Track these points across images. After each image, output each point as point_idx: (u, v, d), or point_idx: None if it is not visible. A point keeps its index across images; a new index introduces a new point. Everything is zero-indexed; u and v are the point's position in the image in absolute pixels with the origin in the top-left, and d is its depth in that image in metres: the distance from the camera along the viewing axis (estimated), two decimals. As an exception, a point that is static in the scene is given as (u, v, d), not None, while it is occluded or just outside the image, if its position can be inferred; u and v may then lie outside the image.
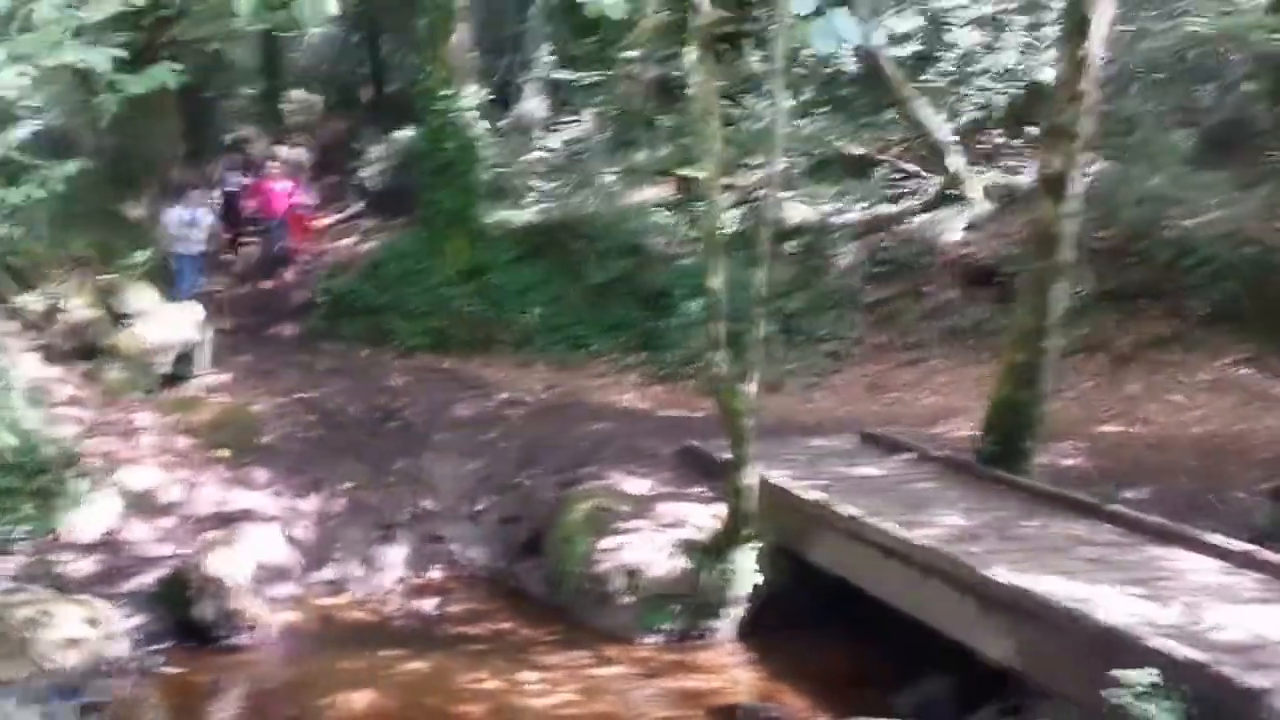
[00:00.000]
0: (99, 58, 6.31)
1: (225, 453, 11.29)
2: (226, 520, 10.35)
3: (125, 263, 12.50)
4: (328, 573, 10.44)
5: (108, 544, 9.85)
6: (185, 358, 12.34)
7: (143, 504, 10.32)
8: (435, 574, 10.72)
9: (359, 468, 11.53)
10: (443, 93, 15.79)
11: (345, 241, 19.45)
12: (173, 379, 12.24)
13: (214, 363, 12.93)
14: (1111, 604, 6.77)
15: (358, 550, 10.65)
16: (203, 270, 15.17)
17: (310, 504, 10.98)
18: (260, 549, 10.10)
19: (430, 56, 16.11)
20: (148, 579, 9.46)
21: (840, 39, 4.63)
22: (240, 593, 9.29)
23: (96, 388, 11.51)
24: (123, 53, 6.56)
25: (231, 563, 9.50)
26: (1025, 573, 7.26)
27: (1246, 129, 15.28)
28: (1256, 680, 5.53)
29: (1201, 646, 6.03)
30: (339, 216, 20.44)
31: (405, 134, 19.80)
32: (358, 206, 20.40)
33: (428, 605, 10.16)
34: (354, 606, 10.14)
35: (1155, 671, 5.73)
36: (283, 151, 19.58)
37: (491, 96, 18.01)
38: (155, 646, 8.87)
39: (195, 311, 12.66)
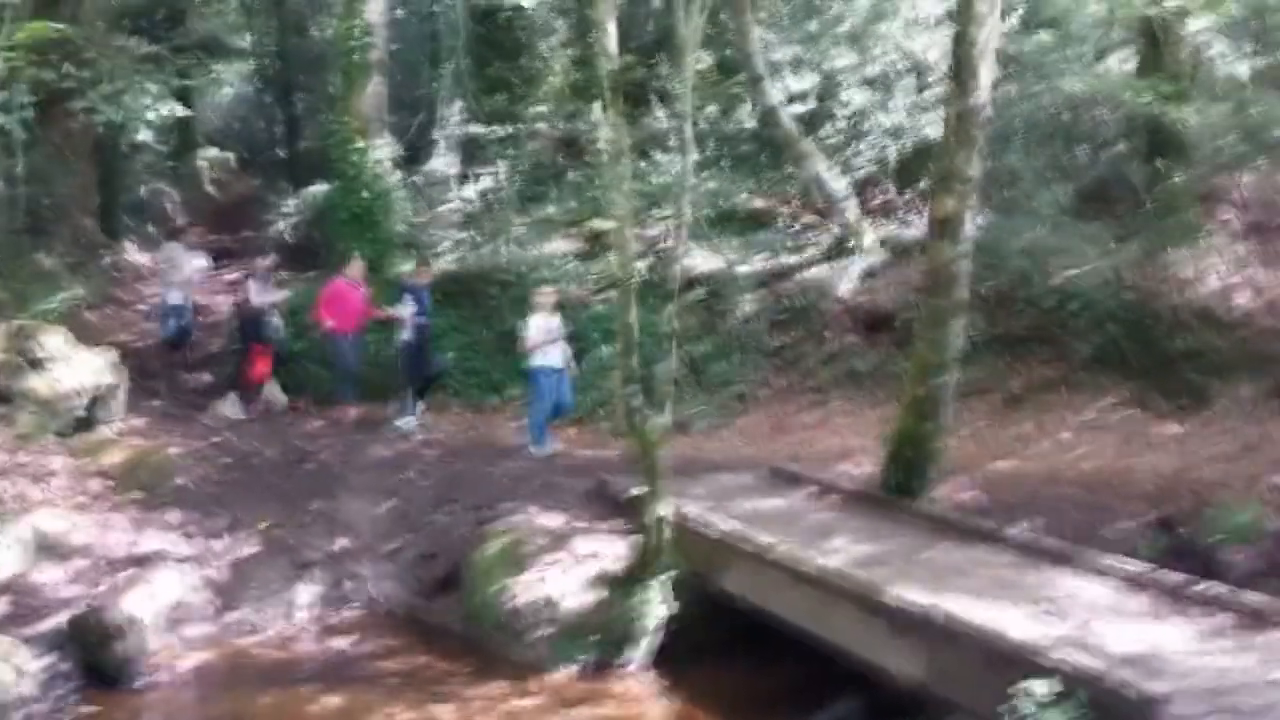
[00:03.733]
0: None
1: (138, 495, 11.25)
2: (139, 562, 10.32)
3: (40, 308, 12.43)
4: (242, 612, 10.43)
5: (18, 586, 9.76)
6: (99, 402, 12.26)
7: (54, 546, 10.25)
8: (351, 612, 10.76)
9: (274, 509, 11.52)
10: (356, 144, 15.89)
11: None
12: (86, 423, 12.15)
13: (128, 408, 12.84)
14: (1013, 621, 7.12)
15: (272, 589, 10.66)
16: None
17: (224, 544, 10.96)
18: (172, 589, 10.11)
19: (344, 109, 16.22)
20: (59, 620, 9.38)
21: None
22: (151, 633, 9.30)
23: (9, 431, 11.40)
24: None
25: (143, 603, 9.49)
26: (931, 594, 7.56)
27: (1121, 184, 15.99)
28: (1153, 687, 5.86)
29: (1099, 658, 6.39)
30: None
31: (319, 189, 19.87)
32: (272, 259, 20.27)
33: (343, 642, 10.19)
34: (268, 645, 10.14)
35: (1056, 681, 6.08)
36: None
37: (405, 152, 18.17)
38: (66, 687, 8.82)
39: (108, 356, 12.60)
